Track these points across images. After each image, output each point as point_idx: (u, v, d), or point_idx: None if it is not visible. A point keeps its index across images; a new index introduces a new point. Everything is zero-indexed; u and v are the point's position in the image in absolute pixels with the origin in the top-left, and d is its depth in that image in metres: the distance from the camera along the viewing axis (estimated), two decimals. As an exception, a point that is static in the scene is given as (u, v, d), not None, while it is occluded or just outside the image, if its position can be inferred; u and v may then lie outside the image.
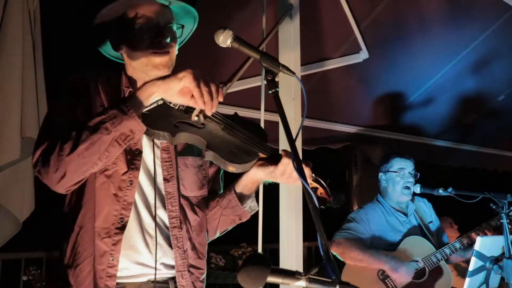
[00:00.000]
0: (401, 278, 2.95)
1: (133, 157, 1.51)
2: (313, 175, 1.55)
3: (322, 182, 1.57)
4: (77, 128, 1.38)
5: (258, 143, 1.54)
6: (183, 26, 1.62)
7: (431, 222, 3.31)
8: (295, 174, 1.49)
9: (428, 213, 3.35)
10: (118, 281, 1.47)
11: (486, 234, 2.99)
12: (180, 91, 1.38)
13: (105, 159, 1.39)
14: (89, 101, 1.52)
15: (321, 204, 1.51)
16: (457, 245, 3.06)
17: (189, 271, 1.56)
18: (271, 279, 0.99)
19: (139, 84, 1.59)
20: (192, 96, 1.38)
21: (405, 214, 3.23)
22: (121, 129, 1.36)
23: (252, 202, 1.69)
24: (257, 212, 2.55)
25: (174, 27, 1.58)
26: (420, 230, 3.22)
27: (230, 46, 1.42)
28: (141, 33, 1.52)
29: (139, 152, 1.53)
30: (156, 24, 1.54)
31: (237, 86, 3.75)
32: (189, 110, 1.51)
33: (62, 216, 1.55)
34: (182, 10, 1.65)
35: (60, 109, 1.52)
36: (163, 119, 1.48)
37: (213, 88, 1.38)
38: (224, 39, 1.41)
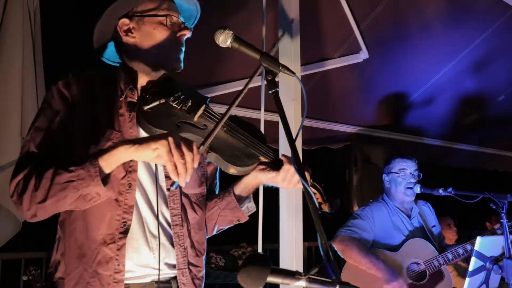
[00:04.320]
0: None
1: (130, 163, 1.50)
2: (311, 180, 1.55)
3: (319, 187, 1.58)
4: (55, 160, 1.40)
5: (259, 147, 1.54)
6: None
7: (434, 226, 3.31)
8: (295, 179, 1.52)
9: (432, 218, 3.35)
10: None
11: None
12: (154, 158, 1.36)
13: (74, 207, 1.42)
14: (79, 104, 1.51)
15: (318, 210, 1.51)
16: (461, 251, 3.03)
17: (188, 268, 1.57)
18: (271, 279, 0.99)
19: (139, 81, 1.59)
20: None
21: (409, 216, 3.23)
22: (88, 191, 1.37)
23: (249, 203, 1.70)
24: (257, 212, 2.56)
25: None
26: (423, 232, 3.21)
27: (230, 46, 1.42)
28: (167, 25, 1.55)
29: None
30: (179, 21, 1.58)
31: (237, 86, 3.75)
32: (191, 110, 1.51)
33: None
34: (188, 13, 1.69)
35: (42, 124, 1.50)
36: (165, 118, 1.47)
37: (188, 158, 1.33)
38: (224, 39, 1.41)
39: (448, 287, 3.05)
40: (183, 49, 1.58)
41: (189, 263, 1.58)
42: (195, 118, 1.50)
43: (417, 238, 3.12)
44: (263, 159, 1.55)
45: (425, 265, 3.04)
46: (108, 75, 1.61)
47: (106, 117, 1.51)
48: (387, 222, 3.17)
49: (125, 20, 1.57)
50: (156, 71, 1.59)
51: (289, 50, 2.82)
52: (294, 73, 1.41)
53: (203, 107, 1.51)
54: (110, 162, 1.38)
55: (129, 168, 1.49)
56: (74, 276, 1.45)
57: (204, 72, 3.68)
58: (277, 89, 1.37)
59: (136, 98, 1.55)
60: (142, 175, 1.53)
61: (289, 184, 1.54)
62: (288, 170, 1.51)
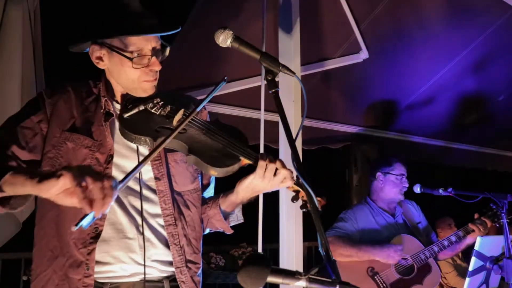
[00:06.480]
0: (392, 259, 3.00)
1: (106, 165, 1.51)
2: (295, 178, 1.51)
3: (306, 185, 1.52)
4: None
5: (239, 147, 1.52)
6: (169, 44, 1.61)
7: (419, 222, 3.39)
8: (277, 177, 1.47)
9: (417, 215, 3.42)
10: (112, 280, 1.49)
11: (479, 229, 2.99)
12: (64, 192, 1.18)
13: None
14: (49, 113, 1.53)
15: (303, 207, 1.46)
16: (445, 243, 3.10)
17: (187, 266, 1.58)
18: (271, 279, 0.99)
19: (118, 93, 1.60)
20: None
21: (393, 215, 3.31)
22: None
23: (238, 211, 1.71)
24: (257, 212, 2.56)
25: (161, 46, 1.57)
26: (407, 229, 3.29)
27: (230, 46, 1.42)
28: (134, 61, 1.49)
29: (111, 159, 1.53)
30: (149, 53, 1.50)
31: (237, 86, 3.75)
32: (170, 115, 1.52)
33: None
34: None
35: (5, 123, 1.56)
36: (144, 124, 1.49)
37: (107, 184, 1.17)
38: (224, 39, 1.42)
39: (436, 278, 3.11)
40: (155, 77, 1.55)
41: (188, 261, 1.59)
42: (174, 123, 1.50)
43: (403, 234, 3.19)
44: (244, 159, 1.50)
45: (412, 260, 3.10)
46: (89, 85, 1.63)
47: (85, 127, 1.54)
48: (371, 222, 3.26)
49: (96, 47, 1.53)
50: (135, 93, 1.57)
51: (289, 50, 2.82)
52: (294, 73, 1.41)
53: (181, 112, 1.52)
54: (14, 188, 1.34)
55: (104, 173, 1.50)
56: (42, 278, 1.48)
57: (204, 72, 3.68)
58: (277, 89, 1.37)
59: (112, 108, 1.57)
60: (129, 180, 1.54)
61: (270, 182, 1.47)
62: (264, 166, 1.45)
